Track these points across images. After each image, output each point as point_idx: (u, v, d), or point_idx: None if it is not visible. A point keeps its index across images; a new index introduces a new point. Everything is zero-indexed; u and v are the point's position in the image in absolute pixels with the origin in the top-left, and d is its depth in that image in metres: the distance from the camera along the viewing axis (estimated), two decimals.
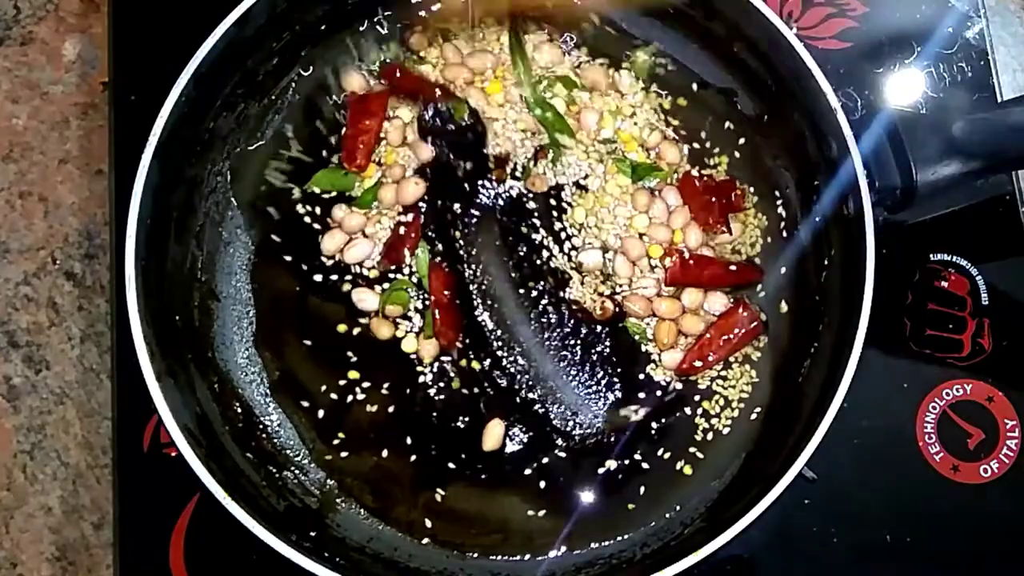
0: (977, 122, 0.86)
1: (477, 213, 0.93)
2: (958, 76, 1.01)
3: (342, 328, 0.93)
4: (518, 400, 0.91)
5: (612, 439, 0.91)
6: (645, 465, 0.91)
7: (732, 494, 0.88)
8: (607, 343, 0.92)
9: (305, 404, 0.92)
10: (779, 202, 0.94)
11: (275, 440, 0.91)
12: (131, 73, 1.00)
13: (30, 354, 1.02)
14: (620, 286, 0.93)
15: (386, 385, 0.92)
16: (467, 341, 0.92)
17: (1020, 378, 0.96)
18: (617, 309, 0.92)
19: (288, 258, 0.94)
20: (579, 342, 0.92)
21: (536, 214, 0.94)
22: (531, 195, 0.94)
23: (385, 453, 0.91)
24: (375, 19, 0.97)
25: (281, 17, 0.91)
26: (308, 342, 0.93)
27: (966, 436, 0.95)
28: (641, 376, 0.92)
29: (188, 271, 0.91)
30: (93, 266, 1.04)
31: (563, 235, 0.94)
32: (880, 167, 0.87)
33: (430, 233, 0.93)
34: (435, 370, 0.92)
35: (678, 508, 0.90)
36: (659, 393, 0.92)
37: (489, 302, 0.92)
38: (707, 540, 0.80)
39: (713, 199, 0.93)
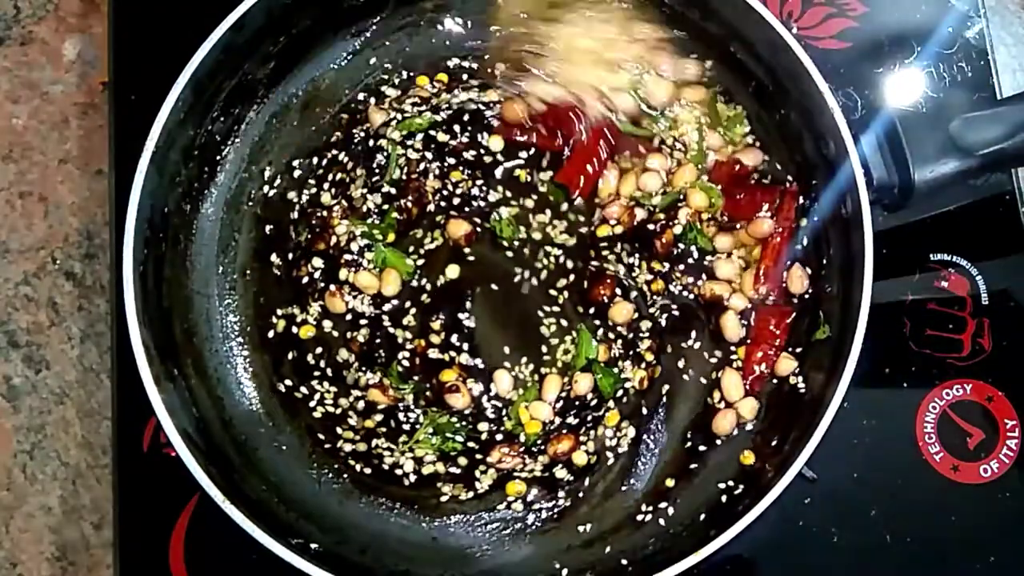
0: (976, 121, 0.86)
1: None
2: (958, 76, 1.01)
3: (336, 332, 0.93)
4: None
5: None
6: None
7: (732, 494, 0.88)
8: None
9: (303, 407, 0.92)
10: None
11: (274, 443, 0.91)
12: (131, 73, 1.00)
13: (30, 354, 1.02)
14: None
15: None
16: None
17: (1020, 378, 0.95)
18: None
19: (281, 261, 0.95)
20: None
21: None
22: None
23: (385, 454, 0.91)
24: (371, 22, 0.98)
25: (278, 21, 0.91)
26: (305, 344, 0.93)
27: (966, 436, 0.94)
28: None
29: (187, 273, 0.91)
30: (93, 266, 1.04)
31: None
32: (878, 166, 0.87)
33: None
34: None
35: (678, 508, 0.90)
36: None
37: None
38: (707, 540, 0.80)
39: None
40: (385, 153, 0.95)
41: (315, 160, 0.97)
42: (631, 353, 0.92)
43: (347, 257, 0.93)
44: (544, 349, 0.92)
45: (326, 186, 0.95)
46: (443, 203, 0.94)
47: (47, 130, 1.07)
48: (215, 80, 0.89)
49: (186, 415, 0.84)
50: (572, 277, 0.93)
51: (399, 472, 0.90)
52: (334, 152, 0.96)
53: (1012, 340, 0.96)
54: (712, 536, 0.80)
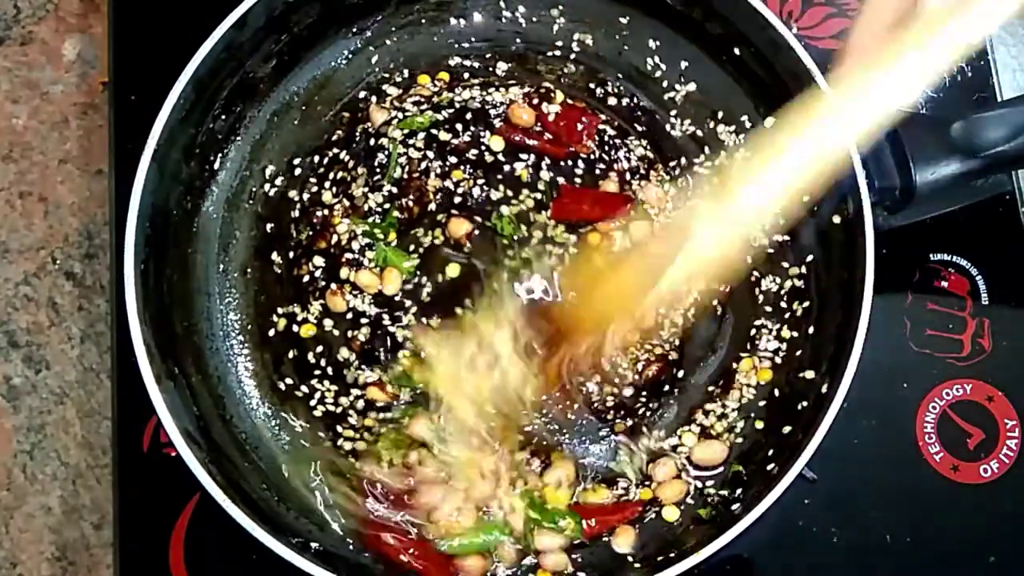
0: (977, 122, 0.86)
1: None
2: (958, 76, 1.01)
3: (337, 331, 0.93)
4: None
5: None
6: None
7: (732, 494, 0.88)
8: None
9: (303, 405, 0.92)
10: None
11: (275, 442, 0.91)
12: (131, 73, 1.00)
13: (30, 354, 1.02)
14: None
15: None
16: None
17: (1020, 378, 0.95)
18: None
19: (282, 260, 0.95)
20: None
21: None
22: None
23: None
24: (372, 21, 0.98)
25: (279, 19, 0.91)
26: (306, 342, 0.93)
27: (966, 436, 0.94)
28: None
29: (188, 272, 0.91)
30: (93, 266, 1.04)
31: None
32: (879, 167, 0.87)
33: None
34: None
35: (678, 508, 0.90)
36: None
37: None
38: (707, 541, 0.80)
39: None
40: (386, 152, 0.95)
41: (316, 158, 0.97)
42: None
43: (348, 256, 0.93)
44: None
45: (327, 185, 0.95)
46: (444, 202, 0.94)
47: (47, 130, 1.07)
48: (217, 78, 0.89)
49: (186, 413, 0.84)
50: None
51: None
52: (335, 151, 0.97)
53: (1012, 340, 0.96)
54: (712, 536, 0.80)
